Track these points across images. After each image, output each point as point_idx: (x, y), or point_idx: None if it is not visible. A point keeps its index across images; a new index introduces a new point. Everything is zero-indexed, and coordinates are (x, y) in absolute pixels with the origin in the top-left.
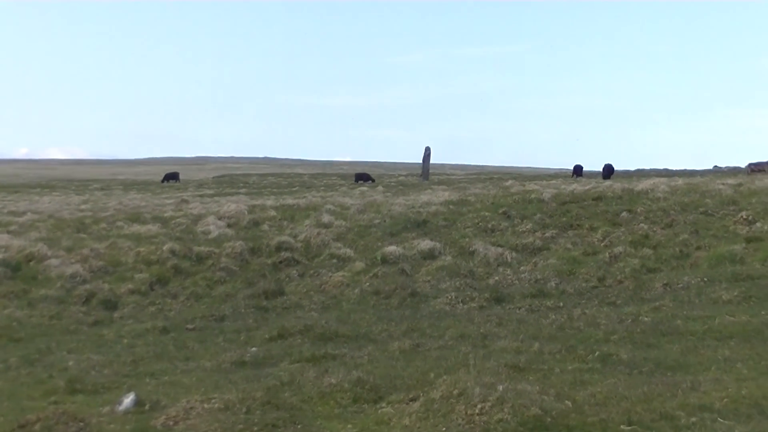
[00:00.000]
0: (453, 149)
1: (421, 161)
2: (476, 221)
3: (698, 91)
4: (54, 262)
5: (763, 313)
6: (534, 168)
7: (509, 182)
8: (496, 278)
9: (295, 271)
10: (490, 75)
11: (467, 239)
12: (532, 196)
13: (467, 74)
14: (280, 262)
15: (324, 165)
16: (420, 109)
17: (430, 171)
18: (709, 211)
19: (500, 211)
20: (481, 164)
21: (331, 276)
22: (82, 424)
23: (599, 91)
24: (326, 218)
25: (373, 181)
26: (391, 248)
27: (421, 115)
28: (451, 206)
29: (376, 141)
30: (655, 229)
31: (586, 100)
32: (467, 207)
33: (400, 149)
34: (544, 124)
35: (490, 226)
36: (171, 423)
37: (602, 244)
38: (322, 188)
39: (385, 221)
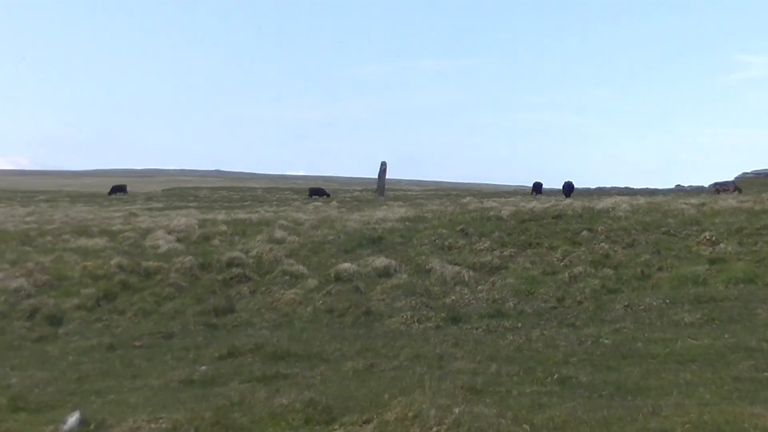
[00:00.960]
0: (409, 164)
1: (376, 176)
2: (433, 239)
3: (661, 109)
4: None
5: (726, 336)
6: (493, 185)
7: (467, 199)
8: (453, 297)
9: (246, 288)
10: (448, 88)
11: (424, 257)
12: (491, 213)
13: (424, 87)
14: (231, 279)
15: (277, 179)
16: (375, 122)
17: (386, 186)
18: (672, 231)
19: (458, 229)
20: (438, 180)
21: (283, 293)
22: None
23: (559, 107)
24: (279, 234)
25: (328, 196)
26: (346, 265)
27: (376, 128)
28: (407, 223)
29: (331, 155)
30: (616, 248)
31: (546, 116)
32: (424, 224)
33: (355, 164)
34: (503, 140)
35: (447, 243)
36: None
37: (562, 264)
38: (275, 203)
39: (339, 237)
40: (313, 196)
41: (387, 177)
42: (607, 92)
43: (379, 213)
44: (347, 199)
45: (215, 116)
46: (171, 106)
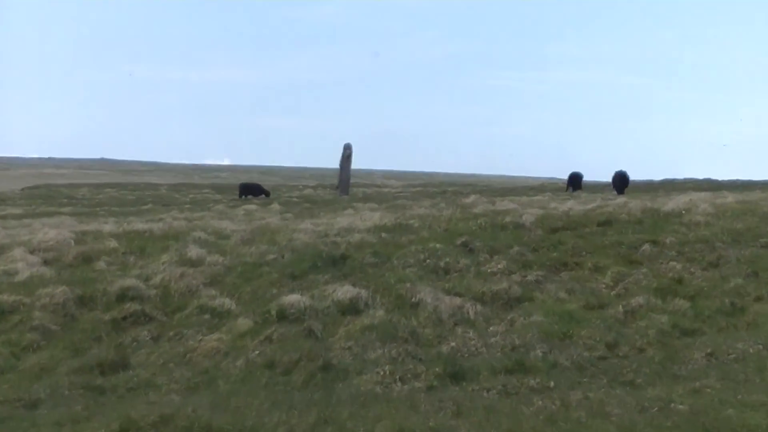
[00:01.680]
0: (386, 148)
1: (337, 166)
2: (422, 257)
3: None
4: None
5: None
6: (508, 177)
7: (471, 198)
8: (453, 344)
9: (146, 333)
10: (441, 34)
11: (408, 284)
12: (507, 219)
13: (406, 34)
14: (125, 319)
15: (190, 171)
16: (336, 88)
17: (353, 181)
18: None
19: (458, 242)
20: (428, 171)
21: (201, 340)
22: None
23: (607, 61)
24: (194, 252)
25: (267, 195)
26: (293, 298)
27: (336, 96)
28: (383, 234)
29: (271, 135)
30: (692, 270)
31: (587, 75)
32: (408, 235)
33: (306, 148)
34: (524, 111)
35: (442, 264)
36: None
37: (613, 293)
38: (188, 206)
39: (283, 257)
40: (245, 196)
41: (353, 167)
42: (676, 38)
43: (343, 220)
44: (294, 199)
45: (98, 82)
46: (30, 70)
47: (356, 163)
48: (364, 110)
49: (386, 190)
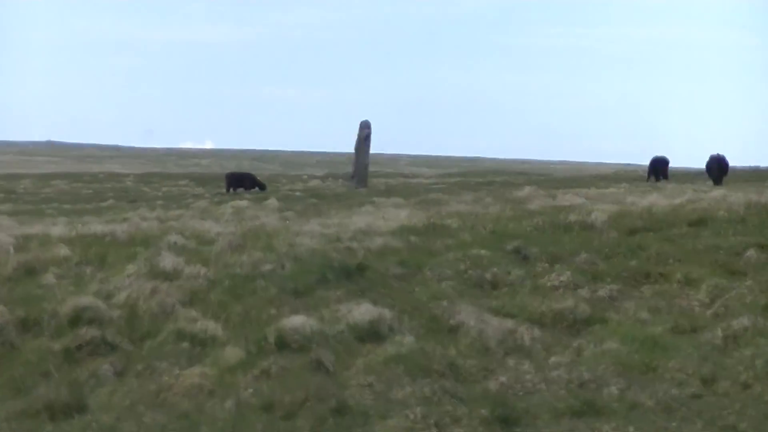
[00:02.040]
0: (415, 127)
1: (352, 150)
2: (462, 267)
3: None
4: None
5: None
6: (573, 163)
7: (525, 191)
8: (503, 379)
9: (108, 366)
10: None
11: (445, 302)
12: (571, 218)
13: None
14: (80, 348)
15: (162, 158)
16: (348, 48)
17: (372, 169)
18: None
19: (508, 248)
20: (469, 155)
21: (178, 375)
22: None
23: (701, 17)
24: (169, 261)
25: (262, 188)
26: (296, 320)
27: (350, 60)
28: (412, 238)
29: (265, 111)
30: None
31: (672, 33)
32: (444, 239)
33: (311, 127)
34: (593, 80)
35: (488, 276)
36: None
37: (709, 313)
38: (161, 202)
39: (283, 267)
40: (234, 189)
41: (373, 151)
42: None
43: (360, 220)
44: (297, 193)
45: (40, 45)
46: None
47: (376, 146)
48: (385, 77)
49: (415, 180)
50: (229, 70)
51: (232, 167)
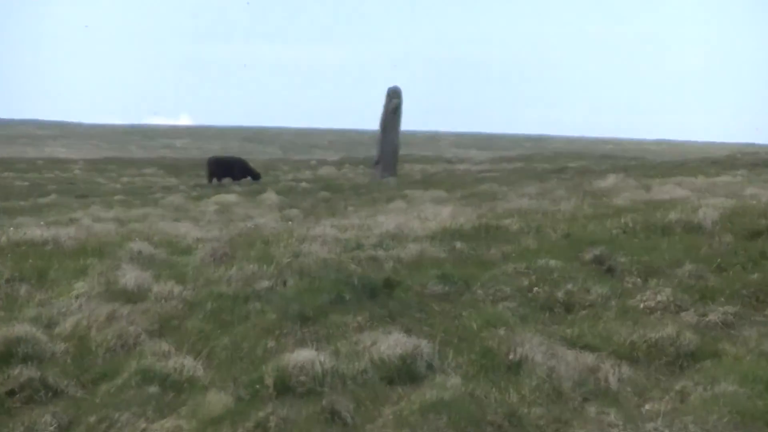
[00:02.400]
0: (460, 96)
1: (377, 127)
2: (525, 283)
3: None
4: None
5: None
6: (673, 143)
7: (609, 180)
8: None
9: (49, 417)
10: None
11: (502, 330)
12: (671, 216)
13: None
14: (12, 394)
15: (123, 138)
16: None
17: (404, 151)
18: None
19: (587, 257)
20: (532, 133)
21: (145, 430)
22: None
23: None
24: (131, 277)
25: (255, 177)
26: (303, 355)
27: (377, 13)
28: (458, 244)
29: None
30: None
31: None
32: (501, 245)
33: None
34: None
35: (561, 295)
36: None
37: None
38: (120, 197)
39: (285, 284)
40: (220, 180)
41: (405, 128)
42: None
43: (387, 220)
44: (303, 184)
45: None
46: None
47: (409, 122)
48: (419, 30)
49: (461, 167)
50: (211, 22)
51: (215, 150)
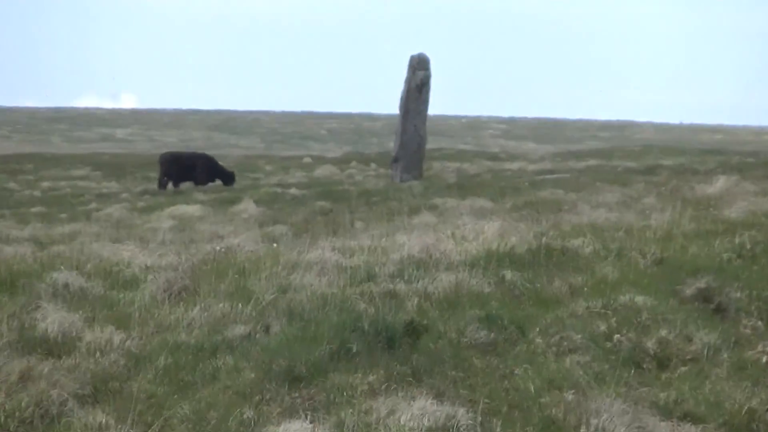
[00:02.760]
0: (510, 74)
1: (396, 111)
2: (602, 328)
3: None
4: None
5: None
6: None
7: (719, 183)
8: None
9: None
10: None
11: (570, 395)
12: None
13: None
14: None
15: (42, 126)
16: None
17: (433, 143)
18: None
19: (688, 292)
20: (611, 119)
21: None
22: None
23: None
24: (54, 320)
25: (227, 180)
26: (293, 429)
27: None
28: (508, 273)
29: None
30: None
31: None
32: (567, 275)
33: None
34: None
35: (651, 344)
36: None
37: None
38: (40, 208)
39: (268, 330)
40: (177, 184)
41: (432, 113)
42: None
43: (410, 240)
44: (293, 190)
45: None
46: None
47: (440, 104)
48: None
49: (513, 165)
50: None
51: (172, 144)
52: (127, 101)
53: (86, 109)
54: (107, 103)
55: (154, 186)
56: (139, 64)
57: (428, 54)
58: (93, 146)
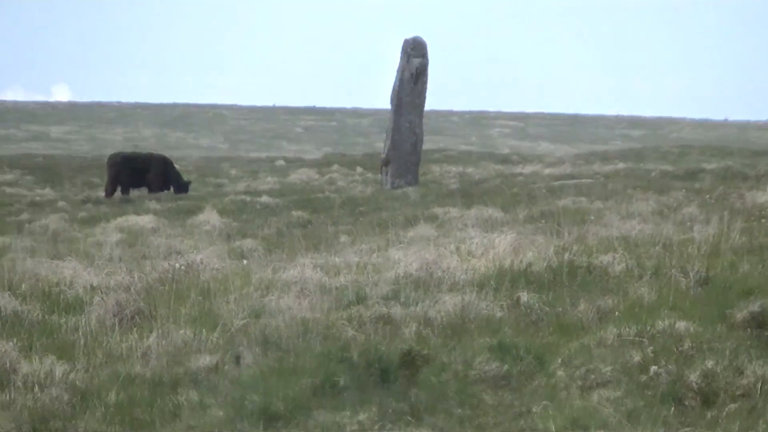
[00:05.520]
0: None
1: (388, 105)
2: (635, 359)
3: None
4: None
5: None
6: None
7: None
8: None
9: None
10: None
11: None
12: None
13: None
14: None
15: None
16: None
17: (428, 143)
18: None
19: (739, 317)
20: (643, 115)
21: None
22: None
23: None
24: None
25: (179, 187)
26: None
27: None
28: (524, 296)
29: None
30: None
31: None
32: (594, 297)
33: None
34: None
35: (694, 379)
36: None
37: None
38: None
39: (238, 361)
40: (126, 191)
41: (430, 107)
42: None
43: (406, 256)
44: (264, 198)
45: None
46: None
47: (438, 98)
48: None
49: (527, 169)
50: None
51: (119, 143)
52: (60, 94)
53: (14, 103)
54: (37, 96)
55: (98, 193)
56: (74, 50)
57: (425, 38)
58: (22, 146)
